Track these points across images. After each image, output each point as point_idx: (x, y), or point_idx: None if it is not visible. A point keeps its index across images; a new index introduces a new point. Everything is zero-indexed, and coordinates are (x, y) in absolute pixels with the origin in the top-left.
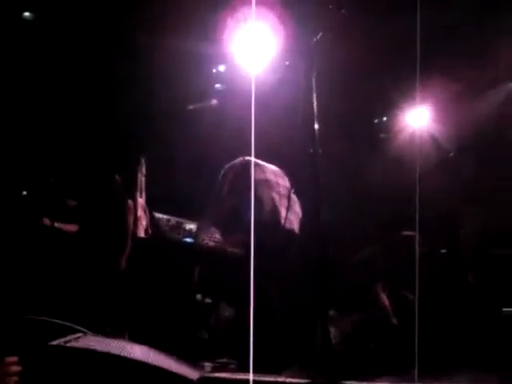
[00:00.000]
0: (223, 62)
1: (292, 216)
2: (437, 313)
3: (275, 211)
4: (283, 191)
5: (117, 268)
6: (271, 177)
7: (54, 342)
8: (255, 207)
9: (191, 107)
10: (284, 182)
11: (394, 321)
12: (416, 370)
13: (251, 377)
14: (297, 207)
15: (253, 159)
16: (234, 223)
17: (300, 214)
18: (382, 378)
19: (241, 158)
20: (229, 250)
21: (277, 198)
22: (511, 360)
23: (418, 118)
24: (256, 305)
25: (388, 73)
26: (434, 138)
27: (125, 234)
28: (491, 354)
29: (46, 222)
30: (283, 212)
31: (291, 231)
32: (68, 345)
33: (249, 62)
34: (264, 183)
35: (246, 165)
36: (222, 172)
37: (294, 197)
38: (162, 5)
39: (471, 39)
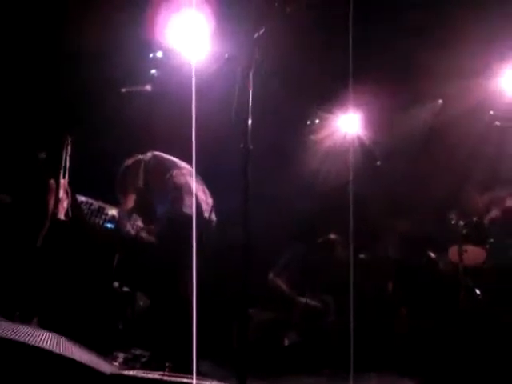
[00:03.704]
0: (161, 48)
1: (208, 216)
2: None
3: (195, 212)
4: (200, 194)
5: (32, 249)
6: (190, 180)
7: None
8: (172, 208)
9: (124, 90)
10: (201, 185)
11: (311, 322)
12: (351, 371)
13: (194, 381)
14: (210, 208)
15: (194, 152)
16: (148, 213)
17: (214, 218)
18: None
19: (150, 153)
20: (147, 238)
21: (197, 201)
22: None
23: (350, 124)
24: (174, 297)
25: (325, 75)
26: (363, 145)
27: (44, 214)
28: (402, 357)
29: None
30: (202, 215)
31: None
32: None
33: (187, 49)
34: (184, 186)
35: (158, 160)
36: (131, 163)
37: (210, 201)
38: None
39: (406, 52)
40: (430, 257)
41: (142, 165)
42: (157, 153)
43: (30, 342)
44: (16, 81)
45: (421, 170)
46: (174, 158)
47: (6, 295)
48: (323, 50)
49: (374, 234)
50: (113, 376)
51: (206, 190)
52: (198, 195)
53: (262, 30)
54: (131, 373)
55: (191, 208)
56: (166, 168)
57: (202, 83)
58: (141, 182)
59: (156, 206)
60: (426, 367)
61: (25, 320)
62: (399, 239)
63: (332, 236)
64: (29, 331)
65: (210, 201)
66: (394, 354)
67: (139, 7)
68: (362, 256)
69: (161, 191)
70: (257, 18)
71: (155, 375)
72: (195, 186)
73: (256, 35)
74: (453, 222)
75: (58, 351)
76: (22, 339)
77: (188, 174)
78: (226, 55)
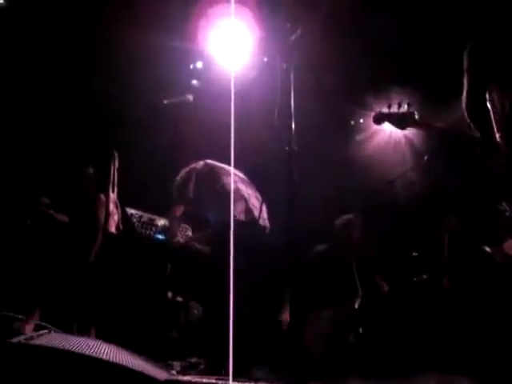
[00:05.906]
0: (201, 58)
1: (262, 223)
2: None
3: (246, 221)
4: (252, 200)
5: (86, 263)
6: (242, 187)
7: (15, 340)
8: (225, 215)
9: (166, 102)
10: (253, 192)
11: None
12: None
13: (231, 382)
14: (265, 215)
15: (232, 159)
16: (200, 222)
17: (268, 225)
18: (352, 378)
19: (202, 162)
20: (198, 247)
21: (249, 207)
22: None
23: None
24: (227, 304)
25: (366, 74)
26: (408, 141)
27: (95, 228)
28: (460, 355)
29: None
30: (255, 222)
31: (259, 242)
32: (30, 342)
33: (226, 59)
34: (235, 192)
35: (210, 169)
36: (184, 173)
37: (264, 208)
38: (142, 1)
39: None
40: (484, 251)
41: (194, 174)
42: (209, 161)
43: (87, 352)
44: (61, 98)
45: (467, 163)
46: (225, 166)
47: (64, 309)
48: (364, 49)
49: (425, 231)
50: (167, 382)
51: (259, 196)
52: (250, 201)
53: (299, 32)
54: (186, 378)
55: (241, 215)
56: (217, 176)
57: (242, 89)
58: (190, 193)
59: (207, 215)
60: (485, 366)
61: (82, 332)
62: (452, 234)
63: (349, 216)
64: (86, 342)
65: (264, 207)
66: (451, 351)
67: (179, 19)
68: (415, 254)
69: (212, 199)
70: (293, 21)
71: (211, 380)
72: (248, 192)
73: (294, 37)
74: (507, 214)
75: (114, 361)
76: (79, 350)
77: (239, 180)
78: (265, 59)
